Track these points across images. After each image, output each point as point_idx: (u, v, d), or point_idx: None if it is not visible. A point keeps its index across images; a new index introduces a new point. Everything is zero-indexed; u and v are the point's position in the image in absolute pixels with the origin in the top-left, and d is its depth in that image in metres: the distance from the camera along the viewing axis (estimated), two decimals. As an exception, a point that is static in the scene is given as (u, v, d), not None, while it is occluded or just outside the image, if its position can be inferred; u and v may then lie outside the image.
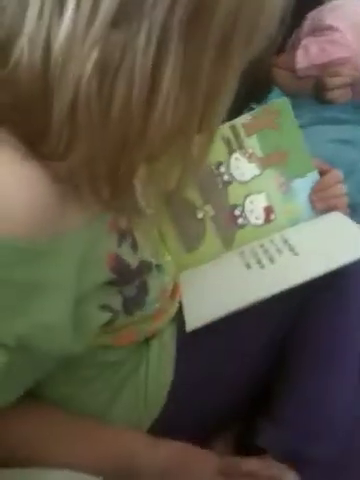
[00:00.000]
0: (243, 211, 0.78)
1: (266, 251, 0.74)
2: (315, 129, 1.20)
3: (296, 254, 0.70)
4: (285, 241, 0.75)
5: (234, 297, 0.66)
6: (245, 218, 0.78)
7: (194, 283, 0.73)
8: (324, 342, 0.67)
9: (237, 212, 0.78)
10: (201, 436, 0.67)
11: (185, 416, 0.65)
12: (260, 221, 0.78)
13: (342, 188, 0.77)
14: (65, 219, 0.44)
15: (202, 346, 0.67)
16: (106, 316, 0.53)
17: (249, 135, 0.75)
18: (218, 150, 0.76)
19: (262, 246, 0.76)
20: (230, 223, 0.78)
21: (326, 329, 0.68)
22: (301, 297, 0.68)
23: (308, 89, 1.31)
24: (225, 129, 0.76)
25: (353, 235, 0.70)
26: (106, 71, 0.39)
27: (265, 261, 0.71)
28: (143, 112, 0.40)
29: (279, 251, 0.72)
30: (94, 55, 0.38)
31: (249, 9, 0.41)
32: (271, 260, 0.71)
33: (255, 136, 0.75)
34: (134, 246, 0.56)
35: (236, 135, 0.76)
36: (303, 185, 0.77)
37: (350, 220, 0.74)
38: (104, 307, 0.53)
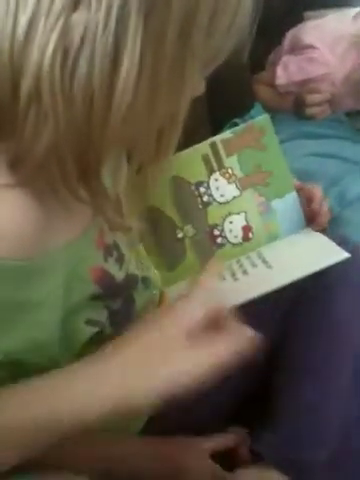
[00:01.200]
0: (222, 231, 0.78)
1: (241, 265, 0.75)
2: (295, 143, 1.21)
3: (269, 267, 0.71)
4: (259, 255, 0.76)
5: None
6: (224, 237, 0.78)
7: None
8: (318, 348, 0.68)
9: (216, 232, 0.78)
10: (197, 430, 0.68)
11: (175, 418, 0.65)
12: (238, 240, 0.79)
13: (326, 206, 0.79)
14: (50, 237, 0.45)
15: None
16: (92, 330, 0.53)
17: (229, 154, 0.75)
18: (198, 169, 0.75)
19: (238, 261, 0.77)
20: (210, 243, 0.78)
21: (319, 334, 0.69)
22: (293, 296, 0.69)
23: (288, 105, 1.32)
24: (205, 146, 0.75)
25: (323, 245, 0.72)
26: (68, 52, 0.39)
27: (239, 274, 0.72)
28: (105, 93, 0.41)
29: (253, 264, 0.73)
30: (55, 36, 0.39)
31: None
32: (244, 272, 0.72)
33: (235, 156, 0.75)
34: (120, 260, 0.57)
35: (216, 153, 0.75)
36: (282, 205, 0.77)
37: (322, 235, 0.75)
38: (90, 322, 0.53)
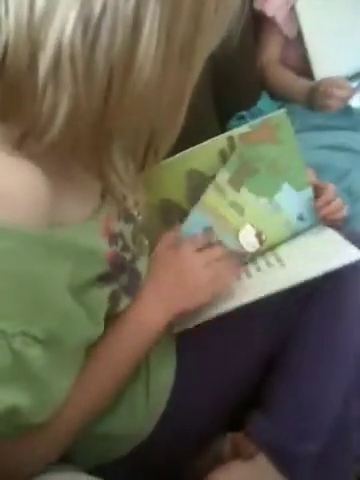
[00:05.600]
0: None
1: (255, 263, 0.75)
2: (305, 135, 1.20)
3: (283, 265, 0.72)
4: (275, 255, 0.76)
5: (220, 302, 0.67)
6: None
7: None
8: (325, 344, 0.69)
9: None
10: (204, 432, 0.69)
11: (188, 413, 0.66)
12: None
13: (339, 202, 0.78)
14: (63, 212, 0.46)
15: (204, 346, 0.69)
16: (107, 291, 0.53)
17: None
18: (214, 163, 0.74)
19: (252, 259, 0.77)
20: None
21: (326, 332, 0.69)
22: (303, 296, 0.70)
23: (298, 89, 1.31)
24: (221, 140, 0.74)
25: (338, 244, 0.72)
26: (89, 22, 0.39)
27: (252, 271, 0.73)
28: (125, 64, 0.41)
29: (268, 263, 0.74)
30: (76, 6, 0.39)
31: None
32: (258, 269, 0.73)
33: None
34: (125, 249, 0.57)
35: (232, 147, 0.74)
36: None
37: (336, 233, 0.75)
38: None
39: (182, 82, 0.46)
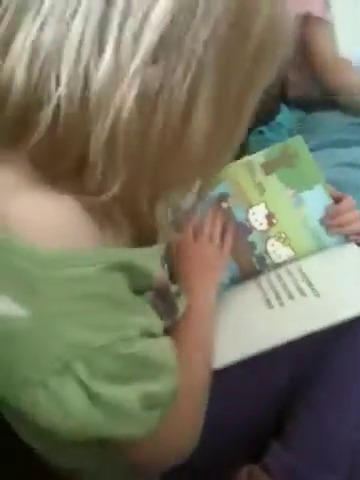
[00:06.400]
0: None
1: (285, 286, 0.75)
2: (324, 152, 1.20)
3: (317, 295, 0.72)
4: (303, 276, 0.76)
5: (260, 339, 0.67)
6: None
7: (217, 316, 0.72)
8: (348, 374, 0.68)
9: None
10: (226, 463, 0.68)
11: (209, 445, 0.63)
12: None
13: (357, 213, 0.79)
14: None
15: (226, 379, 0.67)
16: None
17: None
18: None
19: (280, 279, 0.77)
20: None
21: (350, 362, 0.68)
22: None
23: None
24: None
25: None
26: (146, 102, 0.40)
27: (284, 298, 0.73)
28: (177, 137, 0.42)
29: (300, 289, 0.74)
30: (134, 89, 0.39)
31: (271, 43, 0.44)
32: (291, 297, 0.73)
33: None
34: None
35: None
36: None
37: None
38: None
39: (233, 130, 0.47)
